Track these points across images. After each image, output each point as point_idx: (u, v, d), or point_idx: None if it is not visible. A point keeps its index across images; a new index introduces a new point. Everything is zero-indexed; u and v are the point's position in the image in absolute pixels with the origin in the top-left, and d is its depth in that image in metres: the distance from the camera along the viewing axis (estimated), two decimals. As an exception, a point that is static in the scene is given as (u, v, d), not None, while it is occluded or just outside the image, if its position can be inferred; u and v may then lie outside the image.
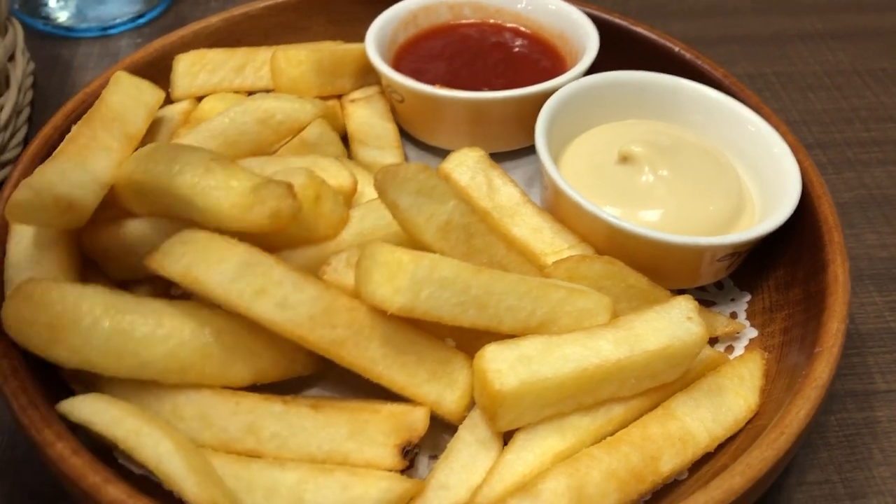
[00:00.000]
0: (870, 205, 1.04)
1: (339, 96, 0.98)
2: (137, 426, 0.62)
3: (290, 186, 0.67)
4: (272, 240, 0.71)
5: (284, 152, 0.85)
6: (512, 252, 0.76)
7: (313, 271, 0.71)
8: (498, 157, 0.96)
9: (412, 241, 0.72)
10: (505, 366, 0.65)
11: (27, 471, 0.75)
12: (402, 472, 0.68)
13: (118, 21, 1.25)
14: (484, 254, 0.74)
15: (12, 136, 1.01)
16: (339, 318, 0.68)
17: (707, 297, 0.87)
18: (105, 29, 1.24)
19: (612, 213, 0.82)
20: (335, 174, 0.79)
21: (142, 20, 1.26)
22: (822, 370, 0.68)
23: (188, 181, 0.68)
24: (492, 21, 1.05)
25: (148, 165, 0.71)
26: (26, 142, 1.04)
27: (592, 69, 0.96)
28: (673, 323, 0.70)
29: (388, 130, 0.93)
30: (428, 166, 0.71)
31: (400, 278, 0.65)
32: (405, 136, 1.00)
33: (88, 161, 0.74)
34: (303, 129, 0.86)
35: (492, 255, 0.75)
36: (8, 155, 1.00)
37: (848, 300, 0.73)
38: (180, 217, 0.71)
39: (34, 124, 1.07)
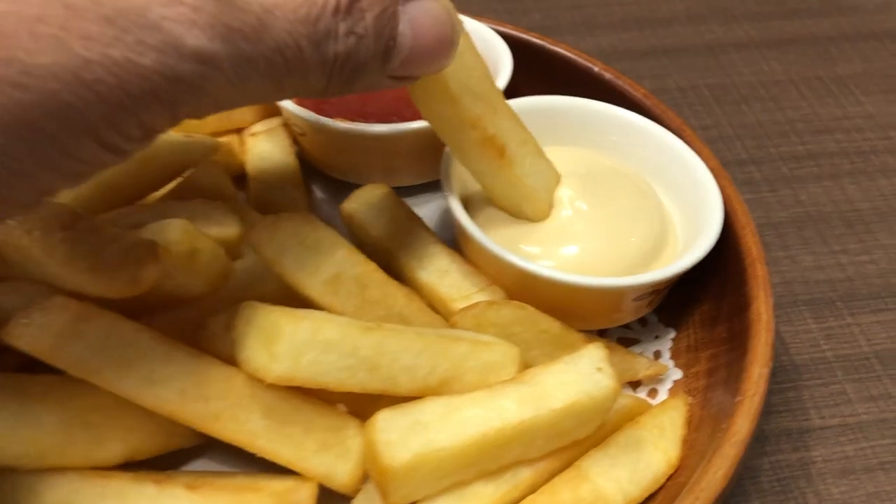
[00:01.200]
0: (805, 223, 1.00)
1: (240, 130, 0.92)
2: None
3: (152, 247, 0.61)
4: (143, 302, 0.65)
5: (169, 196, 0.79)
6: (413, 301, 0.71)
7: (190, 335, 0.65)
8: (411, 191, 0.91)
9: (298, 297, 0.66)
10: (396, 436, 0.60)
11: None
12: (292, 553, 0.62)
13: None
14: (380, 306, 0.68)
15: None
16: (214, 390, 0.62)
17: (630, 335, 0.82)
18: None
19: (530, 250, 0.77)
20: (219, 222, 0.73)
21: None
22: (742, 423, 0.63)
23: (37, 244, 0.61)
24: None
25: None
26: None
27: (511, 93, 0.91)
28: (582, 375, 0.64)
29: (290, 166, 0.87)
30: (311, 216, 0.65)
31: (277, 344, 0.59)
32: (310, 169, 0.93)
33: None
34: (189, 169, 0.79)
35: (389, 307, 0.69)
36: None
37: (772, 341, 0.68)
38: (39, 280, 0.64)
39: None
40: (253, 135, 0.90)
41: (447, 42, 0.58)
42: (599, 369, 0.65)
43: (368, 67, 0.54)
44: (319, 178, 0.94)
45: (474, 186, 0.84)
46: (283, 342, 0.59)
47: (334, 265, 0.65)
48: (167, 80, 0.46)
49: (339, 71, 0.53)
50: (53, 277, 0.62)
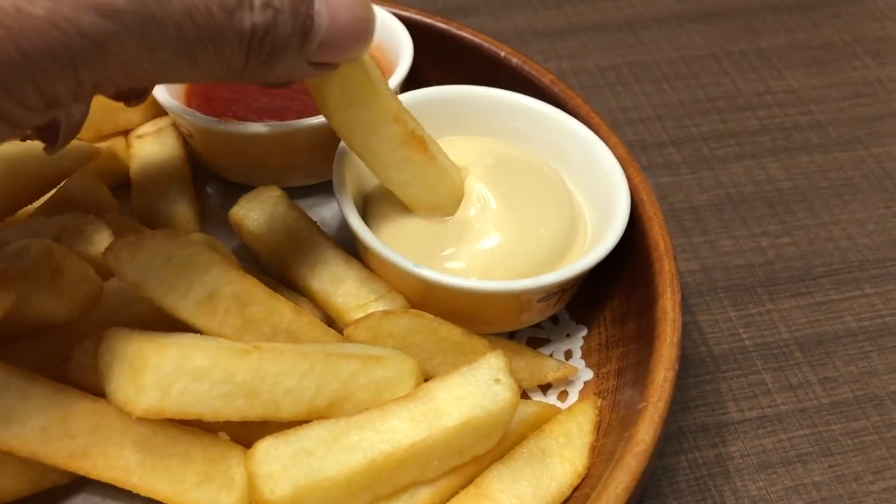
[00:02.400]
0: (726, 206, 0.97)
1: (128, 132, 0.86)
2: None
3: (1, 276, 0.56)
4: (3, 330, 0.60)
5: (42, 209, 0.73)
6: (302, 316, 0.66)
7: (55, 363, 0.60)
8: (308, 192, 0.87)
9: (174, 319, 0.61)
10: (278, 467, 0.56)
11: None
12: (176, 592, 0.58)
13: None
14: (264, 324, 0.64)
15: None
16: (80, 426, 0.57)
17: (541, 335, 0.79)
18: None
19: (446, 251, 0.73)
20: (90, 237, 0.68)
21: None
22: (644, 431, 0.60)
23: None
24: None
25: None
26: None
27: (417, 81, 0.87)
28: (478, 388, 0.61)
29: (178, 171, 0.81)
30: (178, 232, 0.60)
31: (143, 375, 0.54)
32: (207, 172, 0.88)
33: None
34: (63, 179, 0.74)
35: (275, 325, 0.64)
36: None
37: (678, 340, 0.66)
38: None
39: None
40: (140, 137, 0.84)
41: (364, 22, 0.56)
42: (497, 380, 0.61)
43: (288, 47, 0.52)
44: (213, 180, 0.89)
45: (372, 185, 0.80)
46: (149, 373, 0.54)
47: (208, 284, 0.60)
48: (64, 34, 0.42)
49: (257, 47, 0.51)
50: None
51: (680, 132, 1.06)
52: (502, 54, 0.90)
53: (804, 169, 1.02)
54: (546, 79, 0.87)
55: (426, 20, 0.93)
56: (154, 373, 0.54)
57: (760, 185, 1.00)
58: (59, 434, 0.56)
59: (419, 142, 0.68)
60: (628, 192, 0.75)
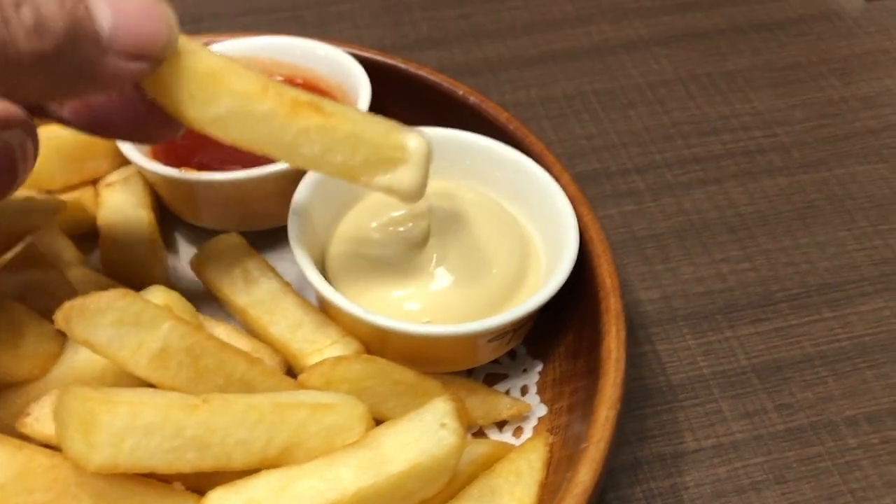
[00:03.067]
0: (688, 233, 0.99)
1: (96, 181, 0.89)
2: None
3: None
4: (-38, 391, 0.62)
5: (9, 265, 0.75)
6: (256, 366, 0.68)
7: (13, 423, 0.63)
8: (274, 235, 0.89)
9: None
10: (227, 517, 0.58)
11: None
12: None
13: None
14: (218, 374, 0.66)
15: None
16: (37, 481, 0.59)
17: (499, 370, 0.81)
18: None
19: (400, 293, 0.75)
20: (52, 293, 0.70)
21: None
22: (585, 472, 0.62)
23: None
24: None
25: None
26: None
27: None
28: (425, 433, 0.63)
29: (142, 220, 0.83)
30: (128, 291, 0.62)
31: (95, 432, 0.56)
32: (176, 218, 0.91)
33: None
34: (29, 233, 0.76)
35: (229, 375, 0.66)
36: None
37: (621, 380, 0.67)
38: None
39: None
40: (108, 185, 0.87)
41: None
42: (444, 425, 0.63)
43: (66, 28, 0.49)
44: (182, 225, 0.91)
45: (334, 228, 0.82)
46: (100, 431, 0.56)
47: (160, 339, 0.62)
48: None
49: (18, 21, 0.47)
50: None
51: (644, 159, 1.08)
52: (460, 93, 0.92)
53: (767, 192, 1.03)
54: (502, 117, 0.89)
55: (385, 60, 0.95)
56: (106, 430, 0.56)
57: (723, 211, 1.01)
58: (17, 490, 0.58)
59: (306, 105, 0.62)
60: (577, 230, 0.77)
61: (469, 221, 0.80)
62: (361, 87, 0.89)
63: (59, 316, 0.60)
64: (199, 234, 0.89)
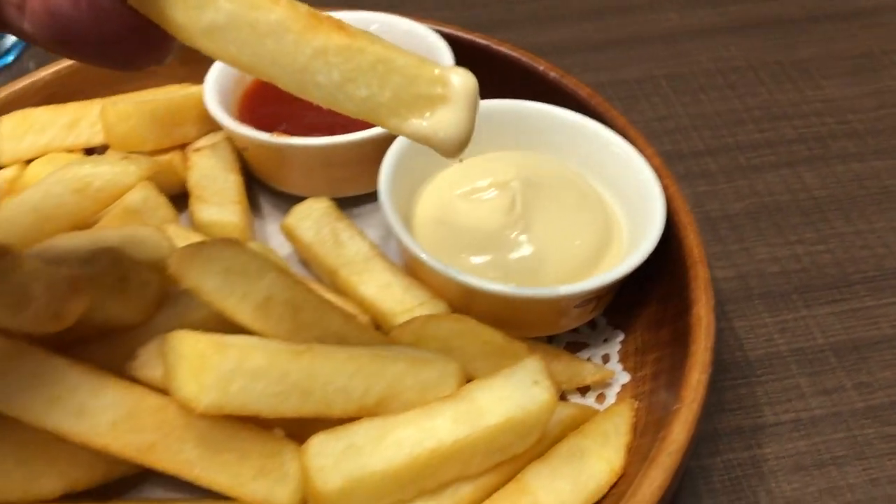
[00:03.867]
0: (761, 214, 0.99)
1: (185, 145, 0.91)
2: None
3: (74, 282, 0.60)
4: (74, 333, 0.64)
5: (106, 222, 0.78)
6: (351, 321, 0.70)
7: (122, 364, 0.65)
8: (357, 201, 0.90)
9: (233, 322, 0.65)
10: (330, 461, 0.59)
11: None
12: (234, 581, 0.62)
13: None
14: (315, 328, 0.68)
15: None
16: (146, 421, 0.61)
17: (580, 339, 0.81)
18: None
19: (477, 260, 0.77)
20: (154, 247, 0.72)
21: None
22: (679, 431, 0.63)
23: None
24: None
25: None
26: None
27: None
28: (518, 390, 0.64)
29: (231, 183, 0.86)
30: (235, 240, 0.65)
31: (205, 374, 0.58)
32: (261, 184, 0.93)
33: None
34: (126, 193, 0.78)
35: (325, 329, 0.68)
36: None
37: (712, 345, 0.68)
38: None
39: None
40: (196, 150, 0.89)
41: None
42: (536, 382, 0.64)
43: None
44: (266, 191, 0.93)
45: (419, 195, 0.83)
46: (210, 372, 0.58)
47: (264, 289, 0.64)
48: None
49: None
50: (-22, 315, 0.62)
51: (716, 142, 1.08)
52: (541, 68, 0.93)
53: (840, 178, 1.03)
54: (583, 92, 0.90)
55: (466, 36, 0.97)
56: (215, 372, 0.58)
57: (796, 194, 1.01)
58: (127, 429, 0.61)
59: (326, 21, 0.49)
60: (664, 201, 0.77)
61: (552, 193, 0.80)
62: (444, 62, 0.91)
63: (174, 260, 0.62)
64: (284, 201, 0.91)
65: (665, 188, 0.79)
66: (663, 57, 1.22)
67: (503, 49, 0.95)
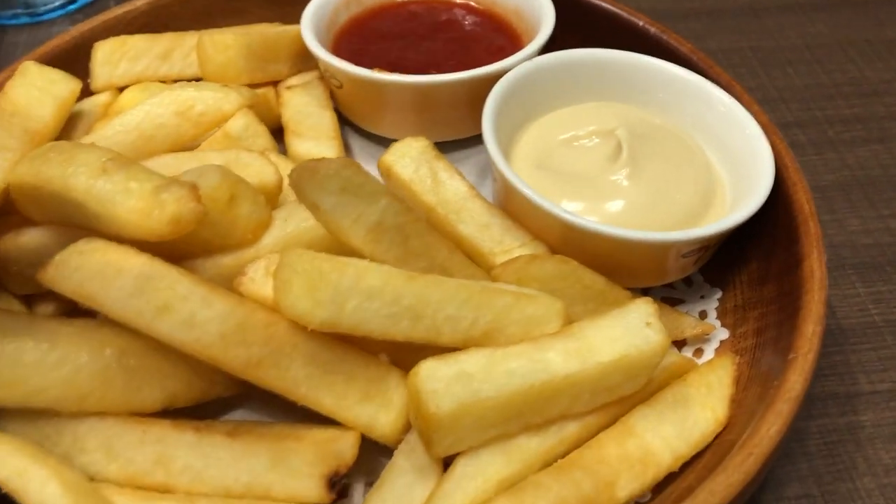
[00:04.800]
0: (853, 187, 0.97)
1: (276, 83, 0.90)
2: (22, 466, 0.55)
3: (193, 188, 0.60)
4: (182, 247, 0.64)
5: (206, 147, 0.77)
6: (456, 254, 0.69)
7: (229, 282, 0.64)
8: (448, 147, 0.90)
9: (340, 245, 0.64)
10: (441, 385, 0.58)
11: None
12: (333, 503, 0.61)
13: (48, 7, 1.16)
14: (423, 257, 0.67)
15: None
16: (256, 336, 0.60)
17: (675, 295, 0.80)
18: (33, 15, 1.16)
19: (572, 206, 0.75)
20: (258, 171, 0.71)
21: (73, 6, 1.18)
22: (795, 380, 0.61)
23: (82, 184, 0.61)
24: (442, -2, 0.97)
25: (41, 167, 0.63)
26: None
27: (552, 48, 0.89)
28: (630, 330, 0.63)
29: (326, 119, 0.85)
30: (353, 161, 0.63)
31: (321, 290, 0.58)
32: (348, 124, 0.92)
33: (-21, 164, 0.67)
34: (226, 120, 0.78)
35: (432, 258, 0.67)
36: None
37: (825, 299, 0.66)
38: (79, 224, 0.63)
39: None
40: (289, 88, 0.88)
41: None
42: (649, 324, 0.63)
43: None
44: (355, 132, 0.93)
45: (518, 138, 0.82)
46: (327, 288, 0.57)
47: (377, 212, 0.63)
48: None
49: None
50: (94, 220, 0.61)
51: (805, 115, 1.06)
52: (641, 24, 0.91)
53: (934, 155, 1.01)
54: (685, 48, 0.88)
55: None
56: (332, 288, 0.57)
57: (888, 169, 0.99)
58: (236, 342, 0.60)
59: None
60: (772, 157, 0.76)
61: (655, 145, 0.79)
62: (545, 16, 0.89)
63: (292, 175, 0.61)
64: (372, 143, 0.91)
65: (773, 145, 0.77)
66: (749, 30, 1.20)
67: (603, 3, 0.94)
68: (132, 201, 0.59)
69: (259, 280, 0.64)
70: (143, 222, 0.59)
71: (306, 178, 0.61)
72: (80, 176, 0.61)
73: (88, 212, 0.61)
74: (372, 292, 0.59)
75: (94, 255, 0.60)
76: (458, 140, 0.90)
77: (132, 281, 0.59)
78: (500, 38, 0.93)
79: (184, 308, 0.59)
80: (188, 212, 0.59)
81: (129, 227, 0.60)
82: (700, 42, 1.16)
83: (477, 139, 0.90)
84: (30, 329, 0.60)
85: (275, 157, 0.76)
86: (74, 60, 0.87)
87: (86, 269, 0.60)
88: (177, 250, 0.64)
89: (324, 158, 0.62)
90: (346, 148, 0.90)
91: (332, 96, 0.89)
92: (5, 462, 0.55)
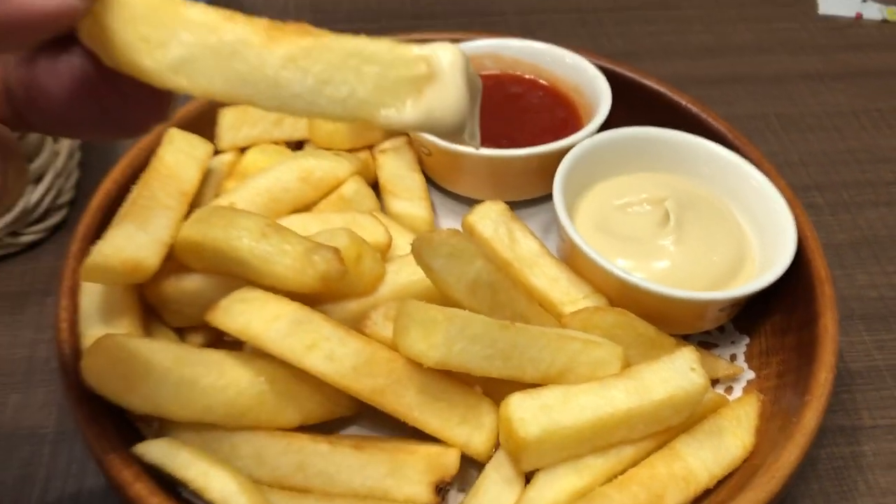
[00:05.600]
0: (862, 245, 1.12)
1: (371, 146, 1.06)
2: (205, 468, 0.70)
3: (337, 251, 0.75)
4: (317, 295, 0.80)
5: (323, 207, 0.93)
6: (532, 304, 0.84)
7: (353, 323, 0.79)
8: (518, 204, 1.05)
9: (443, 297, 0.79)
10: (528, 415, 0.74)
11: (97, 498, 0.84)
12: (436, 505, 0.76)
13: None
14: (507, 307, 0.82)
15: (67, 178, 1.09)
16: (380, 369, 0.76)
17: (710, 340, 0.95)
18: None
19: (626, 263, 0.90)
20: (372, 231, 0.87)
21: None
22: (810, 418, 0.76)
23: (245, 246, 0.76)
24: (511, 72, 1.13)
25: (207, 230, 0.79)
26: (78, 185, 1.12)
27: (604, 122, 1.04)
28: (678, 373, 0.78)
29: (416, 181, 1.01)
30: (458, 231, 0.79)
31: (435, 335, 0.73)
32: (431, 183, 1.07)
33: (150, 223, 0.82)
34: (340, 184, 0.93)
35: (514, 308, 0.83)
36: (64, 197, 1.09)
37: (836, 350, 0.81)
38: (236, 275, 0.79)
39: (84, 166, 1.15)
40: (382, 151, 1.04)
41: None
42: (693, 369, 0.78)
43: None
44: (439, 191, 1.08)
45: (579, 203, 0.98)
46: (439, 334, 0.73)
47: (474, 272, 0.79)
48: None
49: None
50: (252, 274, 0.77)
51: (823, 178, 1.21)
52: (683, 103, 1.07)
53: (934, 219, 1.16)
54: (722, 126, 1.03)
55: (617, 69, 1.10)
56: (444, 334, 0.73)
57: (893, 231, 1.14)
58: (365, 373, 0.75)
59: (285, 29, 0.48)
60: (795, 227, 0.91)
61: (698, 213, 0.94)
62: (603, 96, 1.05)
63: (414, 244, 0.76)
64: (452, 201, 1.06)
65: (796, 217, 0.92)
66: (774, 97, 1.35)
67: (650, 83, 1.09)
68: (288, 261, 0.75)
69: (380, 324, 0.79)
70: (297, 278, 0.75)
71: (424, 246, 0.76)
72: (242, 239, 0.77)
73: (249, 267, 0.77)
74: (475, 338, 0.74)
75: (255, 302, 0.76)
76: (525, 200, 1.06)
77: (287, 324, 0.74)
78: (562, 112, 1.09)
79: (326, 346, 0.75)
80: (335, 271, 0.74)
81: (286, 282, 0.75)
82: (730, 107, 1.32)
83: (542, 199, 1.06)
84: (202, 360, 0.75)
85: (382, 218, 0.92)
86: (200, 124, 1.03)
87: (249, 313, 0.75)
88: (311, 298, 0.79)
89: (436, 230, 0.78)
90: (432, 206, 1.06)
91: (420, 160, 1.05)
92: (190, 464, 0.71)
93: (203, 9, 0.48)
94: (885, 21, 1.50)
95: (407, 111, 0.48)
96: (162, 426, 0.77)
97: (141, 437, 0.77)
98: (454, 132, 0.49)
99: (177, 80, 0.48)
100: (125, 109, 0.52)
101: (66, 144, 1.07)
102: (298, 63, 0.47)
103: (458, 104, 0.48)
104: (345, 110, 0.48)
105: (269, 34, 0.47)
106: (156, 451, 0.72)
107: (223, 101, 0.49)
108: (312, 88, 0.48)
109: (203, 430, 0.76)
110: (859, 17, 1.51)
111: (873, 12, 1.51)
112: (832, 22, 1.51)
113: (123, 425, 0.78)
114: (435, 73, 0.48)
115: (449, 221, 1.05)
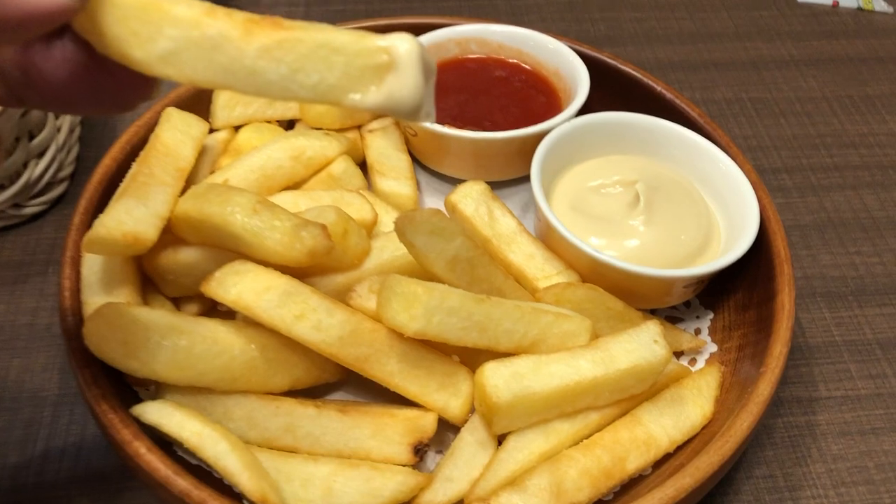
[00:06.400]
0: (827, 227, 1.18)
1: (359, 126, 1.11)
2: (199, 429, 0.76)
3: (324, 227, 0.80)
4: (306, 269, 0.85)
5: (313, 184, 0.98)
6: (508, 279, 0.90)
7: (340, 296, 0.85)
8: (498, 184, 1.10)
9: (424, 272, 0.85)
10: (501, 381, 0.79)
11: (96, 456, 0.90)
12: (414, 466, 0.82)
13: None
14: (485, 282, 0.87)
15: (68, 153, 1.14)
16: (364, 339, 0.81)
17: (676, 315, 1.00)
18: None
19: (598, 242, 0.96)
20: (359, 208, 0.92)
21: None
22: (764, 388, 0.82)
23: (238, 221, 0.81)
24: (495, 56, 1.18)
25: (202, 206, 0.84)
26: (78, 159, 1.17)
27: (583, 106, 1.09)
28: (642, 345, 0.83)
29: (403, 161, 1.05)
30: (439, 210, 0.84)
31: (415, 307, 0.78)
32: (416, 163, 1.12)
33: (149, 198, 0.87)
34: (329, 163, 0.98)
35: (491, 283, 0.88)
36: (65, 171, 1.13)
37: (791, 326, 0.87)
38: (229, 248, 0.84)
39: (84, 141, 1.19)
40: (370, 131, 1.09)
41: None
42: (656, 341, 0.84)
43: None
44: (424, 170, 1.13)
45: (555, 184, 1.03)
46: (419, 306, 0.78)
47: (453, 249, 0.84)
48: None
49: None
50: (245, 248, 0.82)
51: (793, 161, 1.26)
52: (658, 89, 1.12)
53: (897, 202, 1.21)
54: (694, 112, 1.08)
55: (596, 55, 1.15)
56: (423, 306, 0.78)
57: (857, 213, 1.20)
58: (350, 343, 0.81)
59: (261, 22, 0.53)
60: (759, 210, 0.96)
61: (667, 195, 0.99)
62: (581, 80, 1.09)
63: (397, 222, 0.81)
64: (436, 180, 1.11)
65: (759, 199, 0.97)
66: (749, 82, 1.40)
67: (627, 69, 1.14)
68: (278, 236, 0.80)
69: (365, 296, 0.84)
70: (286, 253, 0.80)
71: (406, 224, 0.81)
72: (236, 214, 0.82)
73: (242, 242, 0.81)
74: (452, 310, 0.79)
75: (248, 274, 0.81)
76: (507, 179, 1.11)
77: (277, 295, 0.79)
78: (542, 96, 1.13)
79: (314, 316, 0.80)
80: (322, 246, 0.79)
81: (276, 256, 0.80)
82: (707, 91, 1.37)
83: (521, 179, 1.11)
84: (197, 328, 0.80)
85: (369, 196, 0.97)
86: (196, 103, 1.07)
87: (241, 284, 0.80)
88: (300, 271, 0.84)
89: (418, 209, 0.83)
90: (417, 185, 1.11)
91: (406, 141, 1.10)
92: (184, 425, 0.76)
93: (188, 4, 0.53)
94: (860, 9, 1.55)
95: (371, 95, 0.54)
96: (158, 389, 0.83)
97: (139, 400, 0.83)
98: (412, 113, 0.55)
99: (165, 70, 0.54)
100: (115, 89, 0.57)
101: (67, 120, 1.11)
102: (272, 53, 0.53)
103: (415, 89, 0.54)
104: (315, 95, 0.54)
105: (247, 28, 0.52)
106: (153, 412, 0.78)
107: (207, 88, 0.55)
108: (285, 76, 0.53)
109: (197, 393, 0.82)
110: (836, 5, 1.56)
111: (850, 0, 1.56)
112: (810, 9, 1.56)
113: (122, 388, 0.83)
114: (395, 61, 0.53)
115: (433, 200, 1.10)
